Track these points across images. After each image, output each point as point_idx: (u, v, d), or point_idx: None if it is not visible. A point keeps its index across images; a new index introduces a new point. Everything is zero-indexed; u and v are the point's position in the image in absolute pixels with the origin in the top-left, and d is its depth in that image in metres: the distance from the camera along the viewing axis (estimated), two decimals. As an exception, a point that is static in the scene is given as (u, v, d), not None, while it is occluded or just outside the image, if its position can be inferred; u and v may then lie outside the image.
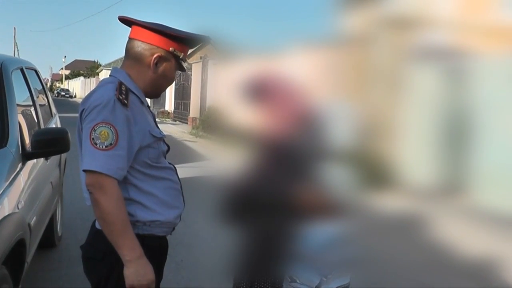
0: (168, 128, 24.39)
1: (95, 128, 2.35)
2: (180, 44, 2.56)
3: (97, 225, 2.47)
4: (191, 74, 26.03)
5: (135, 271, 2.32)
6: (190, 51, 2.91)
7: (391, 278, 5.24)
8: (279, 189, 2.30)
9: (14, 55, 34.02)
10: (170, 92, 32.95)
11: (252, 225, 2.40)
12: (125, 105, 2.38)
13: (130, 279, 2.32)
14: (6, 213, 3.02)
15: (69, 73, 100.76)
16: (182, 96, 28.88)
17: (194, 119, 23.64)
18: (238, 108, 2.58)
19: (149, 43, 2.53)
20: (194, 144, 17.24)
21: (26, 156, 3.53)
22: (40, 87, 5.21)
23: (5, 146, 3.43)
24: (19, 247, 3.14)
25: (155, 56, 2.51)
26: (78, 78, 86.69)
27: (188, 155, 13.42)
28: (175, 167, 2.64)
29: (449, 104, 9.65)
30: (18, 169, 3.41)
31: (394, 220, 7.31)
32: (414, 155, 9.79)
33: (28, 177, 3.55)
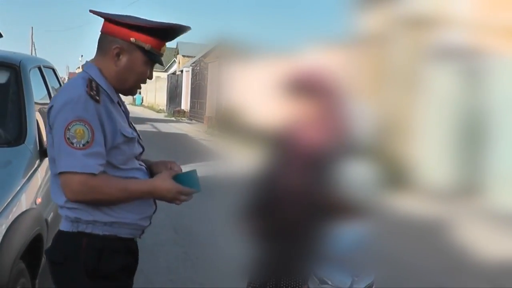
0: (184, 127, 24.48)
1: (69, 127, 2.26)
2: (144, 34, 2.42)
3: (61, 226, 2.40)
4: (207, 73, 26.10)
5: (162, 196, 2.37)
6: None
7: (407, 279, 5.21)
8: (307, 189, 2.27)
9: (32, 54, 34.29)
10: (186, 91, 33.06)
11: (274, 225, 2.36)
12: (97, 101, 2.30)
13: (168, 201, 2.37)
14: (24, 209, 3.10)
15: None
16: (198, 95, 28.95)
17: (210, 118, 23.69)
18: (274, 104, 2.50)
19: (109, 35, 2.44)
20: (210, 143, 17.28)
21: (43, 153, 3.57)
22: (57, 86, 5.26)
23: (23, 143, 3.50)
24: (36, 242, 3.19)
25: (113, 47, 2.39)
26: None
27: (203, 154, 13.46)
28: (147, 168, 2.54)
29: (466, 104, 9.58)
30: (36, 165, 3.46)
31: (411, 221, 7.28)
32: (430, 156, 9.73)
33: (46, 174, 3.59)
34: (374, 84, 9.09)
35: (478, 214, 8.02)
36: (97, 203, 2.34)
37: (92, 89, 2.31)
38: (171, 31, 2.49)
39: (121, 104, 2.50)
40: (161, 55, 2.54)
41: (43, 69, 4.52)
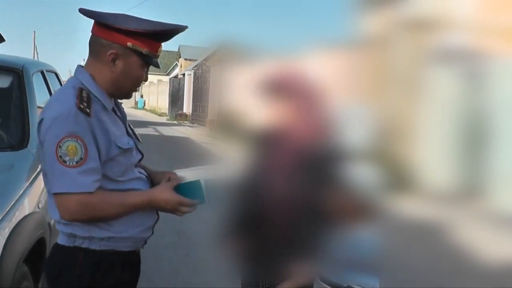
0: (186, 131, 24.48)
1: (61, 144, 2.13)
2: (141, 38, 2.27)
3: (58, 239, 2.31)
4: (209, 77, 26.13)
5: (161, 207, 2.29)
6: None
7: (410, 281, 5.21)
8: (293, 195, 2.22)
9: (34, 58, 34.37)
10: (188, 95, 33.09)
11: (262, 243, 2.33)
12: (87, 114, 2.15)
13: (170, 212, 2.30)
14: (27, 213, 3.11)
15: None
16: (200, 98, 28.97)
17: (212, 121, 23.71)
18: (256, 107, 2.45)
19: (104, 39, 2.27)
20: (212, 147, 17.27)
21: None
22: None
23: (26, 147, 3.52)
24: (39, 246, 3.21)
25: (109, 53, 2.24)
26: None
27: (206, 157, 13.46)
28: (147, 176, 2.42)
29: (468, 106, 9.57)
30: (38, 169, 3.46)
31: (413, 223, 7.27)
32: (432, 158, 9.72)
33: (49, 178, 3.61)
34: (376, 86, 9.09)
35: (480, 216, 8.02)
36: (95, 221, 2.24)
37: (83, 100, 2.18)
38: (169, 33, 2.37)
39: (116, 109, 2.38)
40: (158, 56, 2.42)
41: (45, 73, 4.54)
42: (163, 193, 2.30)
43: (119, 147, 2.24)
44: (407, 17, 10.12)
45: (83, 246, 2.26)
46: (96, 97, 2.24)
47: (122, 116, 2.42)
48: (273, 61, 2.57)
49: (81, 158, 2.13)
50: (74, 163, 2.13)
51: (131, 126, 2.49)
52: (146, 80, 2.47)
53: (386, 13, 10.44)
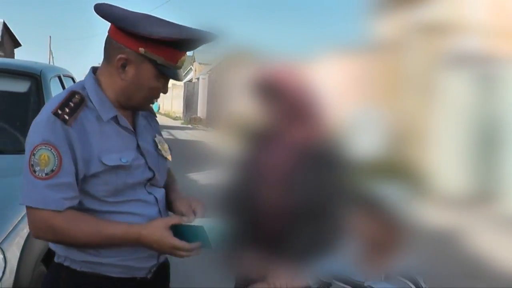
0: (199, 134, 24.58)
1: (34, 152, 1.88)
2: (156, 45, 1.95)
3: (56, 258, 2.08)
4: (223, 81, 26.24)
5: (152, 248, 1.96)
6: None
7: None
8: (296, 196, 2.12)
9: (49, 63, 34.72)
10: (202, 98, 33.21)
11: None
12: (64, 121, 1.88)
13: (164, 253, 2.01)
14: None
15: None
16: (215, 102, 29.06)
17: (223, 124, 23.75)
18: (252, 108, 2.31)
19: (117, 41, 1.99)
20: (224, 150, 17.30)
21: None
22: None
23: (44, 150, 3.58)
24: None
25: (118, 57, 1.96)
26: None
27: (218, 161, 13.50)
28: (157, 199, 2.07)
29: (482, 110, 9.55)
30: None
31: (427, 228, 7.27)
32: (446, 162, 9.71)
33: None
34: (390, 91, 9.11)
35: (494, 220, 7.99)
36: (66, 245, 1.98)
37: (65, 106, 1.91)
38: (190, 42, 2.03)
39: (123, 120, 2.04)
40: (178, 67, 2.06)
41: (62, 78, 4.63)
42: (155, 233, 1.94)
43: (103, 163, 1.94)
44: (421, 22, 10.12)
45: (65, 264, 2.03)
46: (92, 105, 1.98)
47: (140, 129, 2.11)
48: (275, 63, 2.35)
49: (52, 170, 1.88)
50: (44, 174, 1.87)
51: (161, 142, 2.20)
52: (165, 92, 2.14)
53: (400, 18, 10.45)
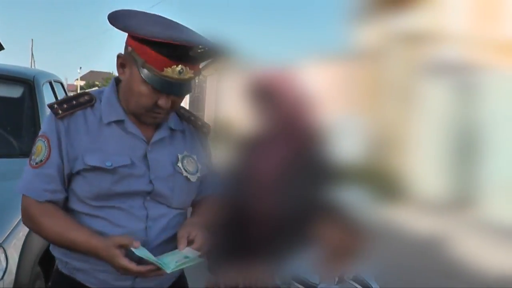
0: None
1: (36, 142, 2.01)
2: (140, 44, 1.85)
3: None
4: (206, 86, 26.25)
5: (109, 263, 1.91)
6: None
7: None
8: (284, 203, 2.14)
9: (31, 67, 34.43)
10: (184, 104, 33.16)
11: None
12: (56, 114, 1.92)
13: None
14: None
15: (84, 84, 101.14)
16: (197, 108, 29.05)
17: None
18: (244, 113, 2.28)
19: (126, 41, 1.99)
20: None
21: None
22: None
23: (38, 154, 3.65)
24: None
25: (118, 54, 1.96)
26: (93, 89, 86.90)
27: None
28: (148, 215, 1.98)
29: (461, 118, 9.71)
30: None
31: (406, 233, 7.37)
32: (425, 168, 9.86)
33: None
34: (370, 98, 9.25)
35: (473, 225, 8.12)
36: (41, 236, 1.98)
37: (65, 103, 1.94)
38: (182, 49, 1.85)
39: (127, 125, 1.98)
40: (168, 77, 1.89)
41: (53, 83, 4.73)
42: (105, 249, 1.92)
43: (84, 162, 1.96)
44: (402, 30, 10.26)
45: (59, 266, 2.06)
46: (98, 105, 2.00)
47: (156, 140, 2.02)
48: (264, 67, 2.36)
49: (41, 160, 1.95)
50: (35, 163, 1.97)
51: (187, 160, 2.11)
52: (164, 106, 2.00)
53: (381, 26, 10.58)
